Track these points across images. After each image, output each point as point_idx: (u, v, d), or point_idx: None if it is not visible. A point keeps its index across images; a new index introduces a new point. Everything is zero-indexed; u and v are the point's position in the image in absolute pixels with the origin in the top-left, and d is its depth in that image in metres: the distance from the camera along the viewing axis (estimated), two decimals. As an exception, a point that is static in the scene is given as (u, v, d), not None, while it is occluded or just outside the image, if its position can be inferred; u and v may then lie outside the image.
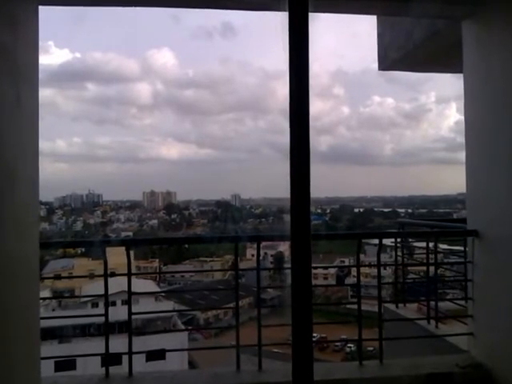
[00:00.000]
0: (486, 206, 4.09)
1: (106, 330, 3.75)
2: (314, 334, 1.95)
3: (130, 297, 3.81)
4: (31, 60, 2.73)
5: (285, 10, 1.87)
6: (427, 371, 3.89)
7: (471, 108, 4.34)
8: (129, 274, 3.84)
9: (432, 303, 4.88)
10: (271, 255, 25.81)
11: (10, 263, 2.33)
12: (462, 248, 5.42)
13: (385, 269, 4.32)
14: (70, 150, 44.34)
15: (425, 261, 5.57)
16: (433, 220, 7.33)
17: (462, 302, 4.85)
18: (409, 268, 5.97)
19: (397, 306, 5.58)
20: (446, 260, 5.42)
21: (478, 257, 4.24)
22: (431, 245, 5.48)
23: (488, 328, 4.06)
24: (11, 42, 2.40)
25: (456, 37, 4.41)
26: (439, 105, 47.99)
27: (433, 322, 4.91)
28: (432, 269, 5.02)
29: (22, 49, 2.54)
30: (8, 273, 2.30)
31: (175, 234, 28.05)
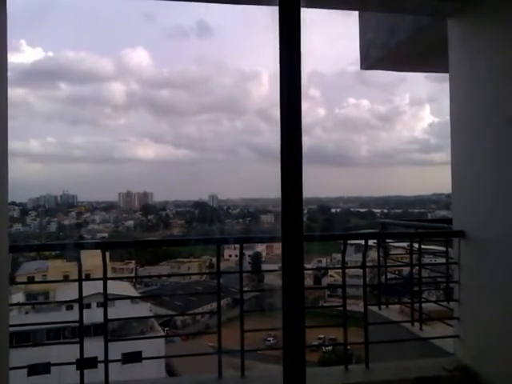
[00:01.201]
0: (473, 207, 4.06)
1: (81, 335, 3.64)
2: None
3: (105, 302, 3.70)
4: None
5: (275, 5, 1.83)
6: (414, 375, 3.85)
7: (457, 107, 4.29)
8: (104, 279, 3.73)
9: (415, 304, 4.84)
10: (249, 255, 25.80)
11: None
12: (437, 247, 5.46)
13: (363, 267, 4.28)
14: (43, 150, 43.31)
15: (400, 260, 5.61)
16: (409, 220, 7.37)
17: (446, 303, 4.86)
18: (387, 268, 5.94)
19: (379, 308, 5.52)
20: (422, 260, 5.45)
21: (464, 258, 4.20)
22: (405, 244, 5.51)
23: (475, 330, 4.03)
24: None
25: (441, 35, 4.36)
26: (413, 107, 48.62)
27: (416, 323, 4.86)
28: (411, 269, 5.02)
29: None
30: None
31: (152, 235, 27.75)
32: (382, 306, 5.55)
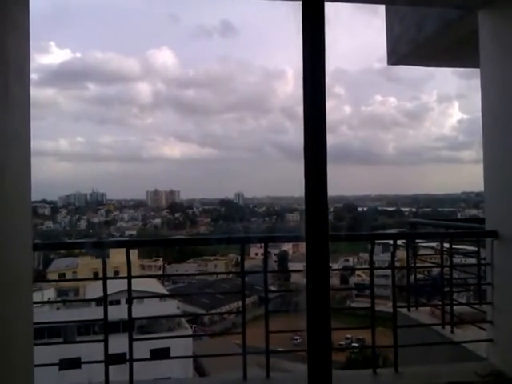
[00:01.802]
0: (506, 206, 3.91)
1: (106, 333, 3.63)
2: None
3: (130, 301, 3.69)
4: (21, 52, 2.57)
5: (298, 0, 1.77)
6: (446, 380, 3.65)
7: (489, 104, 4.14)
8: (129, 277, 3.72)
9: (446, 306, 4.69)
10: (275, 254, 25.80)
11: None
12: (467, 247, 5.32)
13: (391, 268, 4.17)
14: (72, 150, 44.40)
15: (429, 260, 5.48)
16: (438, 219, 7.16)
17: (478, 306, 4.70)
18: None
19: (408, 309, 5.33)
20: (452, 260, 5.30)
21: (497, 259, 4.03)
22: (434, 244, 5.39)
23: (509, 334, 3.86)
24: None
25: (470, 29, 4.23)
26: (441, 103, 47.78)
27: (447, 325, 4.69)
28: (441, 270, 4.88)
29: (10, 40, 2.39)
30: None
31: (179, 233, 28.03)
32: (412, 308, 5.36)
